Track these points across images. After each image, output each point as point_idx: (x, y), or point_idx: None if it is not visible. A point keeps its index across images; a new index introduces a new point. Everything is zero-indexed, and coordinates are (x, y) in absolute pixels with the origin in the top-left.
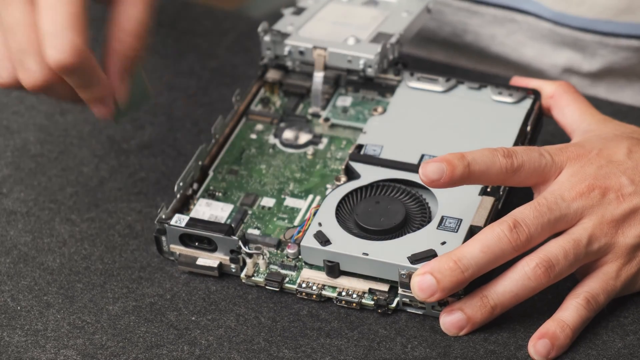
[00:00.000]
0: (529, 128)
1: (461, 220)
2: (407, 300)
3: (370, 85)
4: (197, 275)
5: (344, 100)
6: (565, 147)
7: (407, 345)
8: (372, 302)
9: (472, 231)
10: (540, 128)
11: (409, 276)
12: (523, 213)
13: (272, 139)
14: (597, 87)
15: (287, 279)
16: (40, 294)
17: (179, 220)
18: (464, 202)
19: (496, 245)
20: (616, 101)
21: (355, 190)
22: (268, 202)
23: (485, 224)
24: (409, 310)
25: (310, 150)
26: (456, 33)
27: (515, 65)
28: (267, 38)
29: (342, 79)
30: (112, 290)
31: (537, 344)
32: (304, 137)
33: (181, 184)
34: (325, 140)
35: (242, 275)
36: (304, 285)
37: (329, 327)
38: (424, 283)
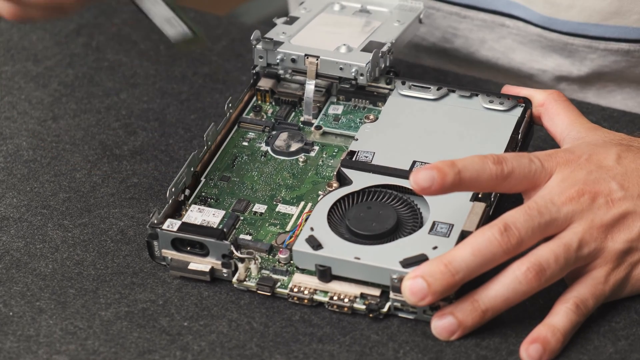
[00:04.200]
0: (519, 136)
1: (452, 225)
2: (398, 304)
3: (362, 94)
4: (190, 281)
5: (336, 109)
6: (554, 153)
7: (399, 351)
8: (364, 307)
9: (464, 236)
10: (531, 136)
11: (401, 280)
12: (514, 216)
13: (263, 147)
14: (586, 92)
15: (278, 284)
16: (32, 299)
17: (171, 225)
18: (455, 208)
19: (487, 248)
20: (607, 106)
21: (347, 195)
22: (260, 208)
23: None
24: (400, 315)
25: (302, 157)
26: (446, 38)
27: (504, 70)
28: (259, 46)
29: (334, 87)
30: (104, 295)
31: (529, 348)
32: (296, 145)
33: (173, 189)
34: (316, 148)
35: (234, 279)
36: (295, 289)
37: (321, 333)
38: (415, 287)
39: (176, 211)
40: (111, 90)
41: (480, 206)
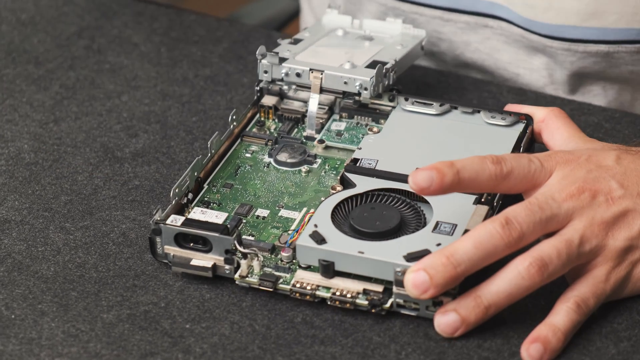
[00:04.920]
0: (521, 151)
1: (456, 225)
2: (401, 301)
3: (365, 111)
4: (192, 283)
5: (339, 125)
6: (554, 153)
7: (401, 352)
8: (366, 302)
9: None
10: (532, 153)
11: (404, 274)
12: (515, 211)
13: (266, 158)
14: (571, 96)
15: (281, 280)
16: (34, 302)
17: (175, 220)
18: (458, 211)
19: (488, 241)
20: (608, 107)
21: (351, 197)
22: (262, 212)
23: None
24: (403, 311)
25: (304, 168)
26: (431, 41)
27: (491, 71)
28: (264, 61)
29: (337, 104)
30: (106, 298)
31: (530, 348)
32: (298, 158)
33: (177, 190)
34: (319, 161)
35: (236, 275)
36: (298, 285)
37: (323, 335)
38: (418, 279)
39: (179, 213)
40: (112, 93)
41: (483, 209)
